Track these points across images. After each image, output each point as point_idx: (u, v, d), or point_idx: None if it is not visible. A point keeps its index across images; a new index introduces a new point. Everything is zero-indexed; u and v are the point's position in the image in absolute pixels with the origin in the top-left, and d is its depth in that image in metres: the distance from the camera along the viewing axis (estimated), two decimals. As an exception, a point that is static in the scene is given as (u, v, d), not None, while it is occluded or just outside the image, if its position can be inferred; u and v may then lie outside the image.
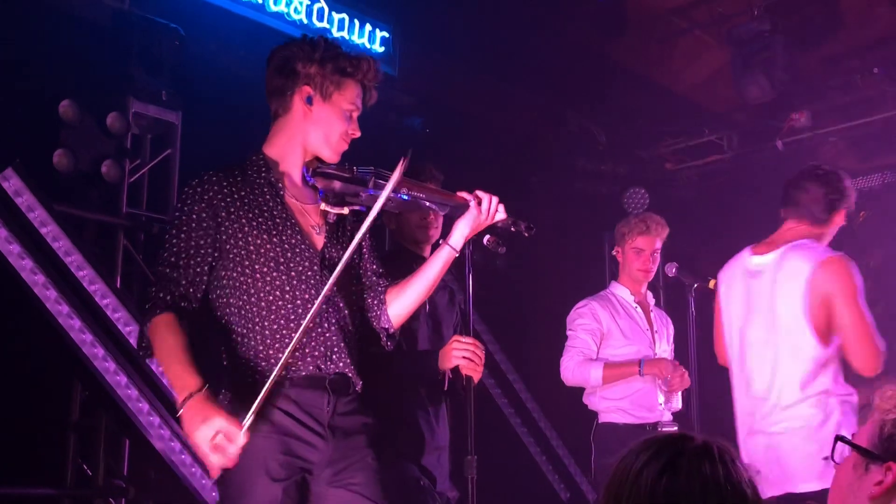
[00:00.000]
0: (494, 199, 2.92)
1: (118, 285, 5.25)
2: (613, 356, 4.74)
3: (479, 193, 2.92)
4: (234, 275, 2.73)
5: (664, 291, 7.34)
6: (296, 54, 2.86)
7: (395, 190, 2.74)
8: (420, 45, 6.63)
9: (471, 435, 3.58)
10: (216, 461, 2.47)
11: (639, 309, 4.92)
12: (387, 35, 6.46)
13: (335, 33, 6.20)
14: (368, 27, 6.37)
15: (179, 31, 5.48)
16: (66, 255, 4.89)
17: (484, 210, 2.90)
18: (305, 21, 6.07)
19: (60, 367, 4.96)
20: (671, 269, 4.96)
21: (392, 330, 2.96)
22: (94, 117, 5.17)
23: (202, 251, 2.73)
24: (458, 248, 2.92)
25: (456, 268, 3.14)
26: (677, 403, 4.87)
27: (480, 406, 3.71)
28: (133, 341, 5.05)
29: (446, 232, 3.00)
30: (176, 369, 2.61)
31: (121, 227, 5.42)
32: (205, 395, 2.52)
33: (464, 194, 2.92)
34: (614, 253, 5.01)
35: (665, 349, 4.95)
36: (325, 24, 6.16)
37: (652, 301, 5.04)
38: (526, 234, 3.10)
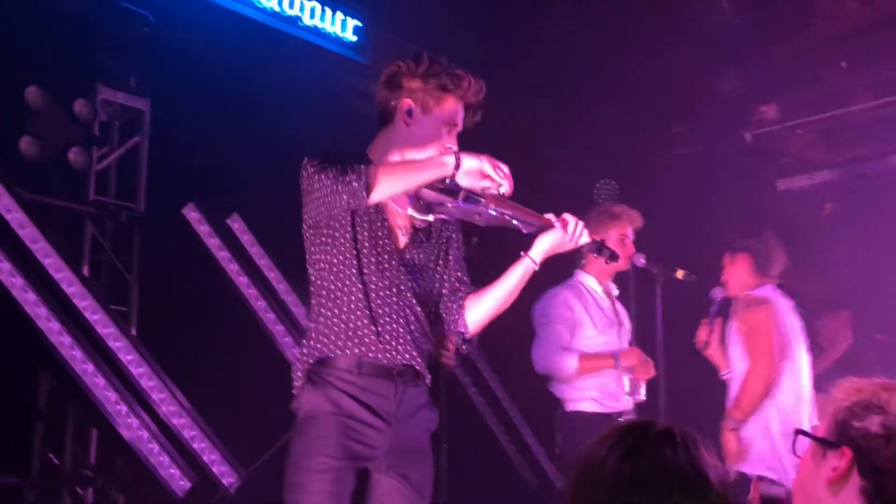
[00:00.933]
0: (580, 224, 3.00)
1: (86, 274, 5.20)
2: (584, 346, 4.75)
3: (567, 217, 3.01)
4: (331, 251, 2.86)
5: (633, 282, 7.38)
6: (402, 69, 3.02)
7: (486, 205, 2.85)
8: (393, 34, 6.61)
9: (443, 426, 3.62)
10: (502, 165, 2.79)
11: (606, 299, 4.93)
12: (359, 24, 6.43)
13: (307, 21, 6.16)
14: (340, 15, 6.34)
15: (149, 17, 5.43)
16: (32, 242, 4.85)
17: (569, 233, 2.98)
18: (277, 9, 6.02)
19: (27, 356, 4.91)
20: (639, 260, 4.97)
21: (468, 335, 3.06)
22: (62, 104, 5.12)
23: None
24: (538, 263, 3.00)
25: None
26: (642, 394, 4.90)
27: (450, 395, 3.73)
28: (100, 330, 5.02)
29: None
30: (423, 159, 2.87)
31: (88, 215, 5.37)
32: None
33: (550, 216, 3.01)
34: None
35: (626, 339, 4.97)
36: (296, 12, 6.11)
37: (616, 292, 5.05)
38: (606, 263, 3.33)
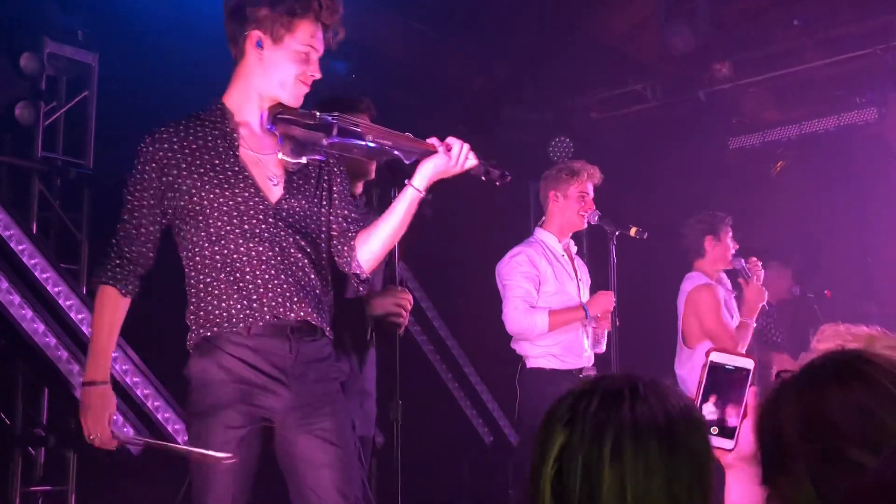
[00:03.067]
0: (465, 147, 2.88)
1: (34, 231, 5.12)
2: (547, 303, 4.78)
3: (451, 140, 2.87)
4: (192, 232, 2.76)
5: (587, 239, 7.43)
6: None
7: (362, 136, 2.73)
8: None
9: (396, 381, 3.62)
10: (95, 443, 2.79)
11: (565, 256, 4.96)
12: (312, -22, 6.33)
13: (257, -26, 6.05)
14: (293, -31, 6.23)
15: (96, -31, 5.32)
16: (-22, 199, 4.76)
17: (454, 157, 2.85)
18: (227, -39, 5.91)
19: (-25, 315, 4.84)
20: (594, 217, 5.00)
21: (363, 275, 2.94)
22: (7, 58, 5.02)
23: (151, 211, 2.82)
24: (423, 190, 2.86)
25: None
26: (603, 345, 4.96)
27: (406, 352, 3.74)
28: (50, 288, 4.96)
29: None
30: (96, 349, 2.85)
31: (36, 172, 5.28)
32: (106, 389, 2.83)
33: (434, 141, 2.87)
34: (550, 197, 4.91)
35: (586, 296, 5.00)
36: (246, -36, 6.01)
37: (574, 249, 5.07)
38: (497, 184, 3.09)
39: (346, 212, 2.93)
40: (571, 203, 4.87)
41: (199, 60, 5.68)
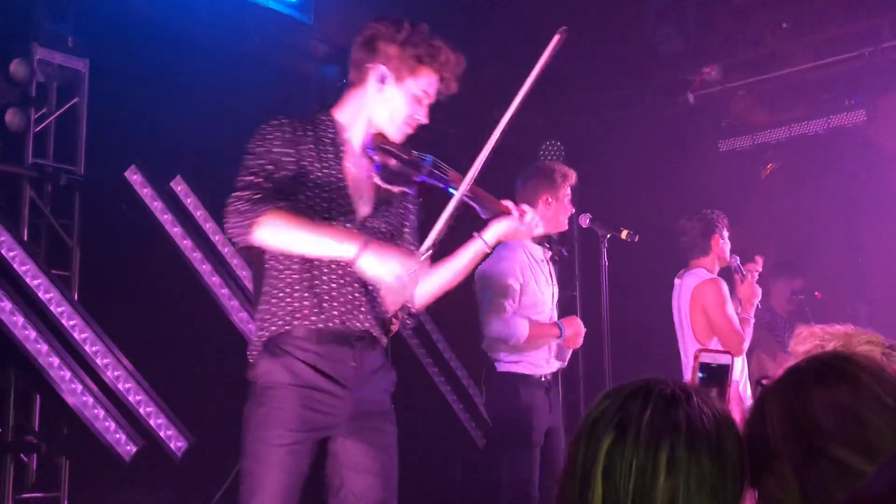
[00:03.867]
0: (537, 218, 3.04)
1: (25, 237, 5.12)
2: (526, 307, 4.79)
3: (525, 208, 3.03)
4: None
5: (578, 242, 7.45)
6: (381, 32, 2.95)
7: (449, 184, 2.88)
8: (336, -6, 6.54)
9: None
10: (400, 287, 2.70)
11: (544, 263, 4.98)
12: (301, -18, 6.35)
13: (248, -20, 6.06)
14: (282, -26, 6.25)
15: (86, -25, 5.32)
16: (-31, 206, 4.75)
17: (525, 224, 3.01)
18: (218, -34, 5.91)
19: (-34, 322, 4.83)
20: (585, 220, 5.02)
21: (414, 309, 3.07)
22: (-3, 64, 5.00)
23: (285, 164, 2.82)
24: (490, 246, 3.03)
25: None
26: (566, 361, 5.06)
27: (397, 355, 3.75)
28: (41, 294, 4.95)
29: None
30: (330, 231, 2.76)
31: (26, 178, 5.27)
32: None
33: (509, 204, 3.02)
34: (542, 200, 4.90)
35: (556, 299, 5.06)
36: (236, -29, 6.02)
37: (549, 254, 5.09)
38: (556, 259, 3.30)
39: (412, 247, 3.07)
40: (563, 207, 4.89)
41: (189, 66, 5.69)
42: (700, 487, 1.34)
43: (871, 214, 7.44)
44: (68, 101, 5.47)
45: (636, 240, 4.97)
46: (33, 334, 4.84)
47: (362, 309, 2.86)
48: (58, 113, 5.45)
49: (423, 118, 2.99)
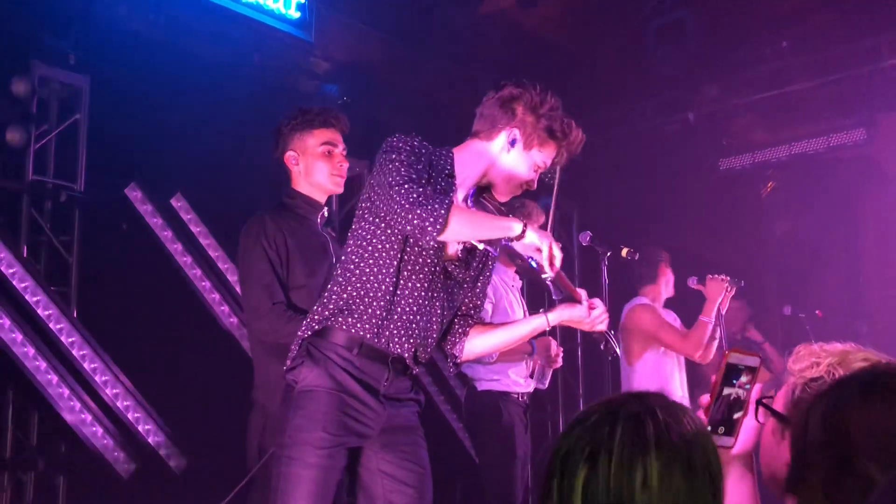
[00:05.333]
0: (605, 315, 3.09)
1: (25, 254, 5.11)
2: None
3: (596, 302, 3.08)
4: (380, 236, 2.88)
5: (578, 259, 7.45)
6: (523, 97, 3.03)
7: (533, 259, 2.89)
8: (336, 11, 6.55)
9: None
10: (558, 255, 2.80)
11: (515, 288, 5.06)
12: (302, 0, 6.36)
13: (249, -3, 6.07)
14: (283, -8, 6.26)
15: (87, -8, 5.32)
16: (-32, 223, 4.74)
17: (592, 317, 3.07)
18: (218, -16, 5.92)
19: (-36, 339, 4.81)
20: (585, 238, 5.03)
21: (459, 360, 3.14)
22: (-3, 81, 5.01)
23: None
24: (550, 325, 3.11)
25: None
26: (546, 383, 5.11)
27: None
28: (41, 311, 4.94)
29: None
30: (498, 217, 2.88)
31: (26, 195, 5.27)
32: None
33: (583, 294, 3.08)
34: None
35: None
36: (238, -12, 6.02)
37: (520, 283, 5.19)
38: (609, 357, 3.51)
39: (478, 301, 3.15)
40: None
41: (190, 83, 5.69)
42: (676, 501, 1.33)
43: (871, 232, 7.45)
44: (69, 117, 5.47)
45: (636, 257, 4.99)
46: (32, 351, 4.82)
47: (412, 340, 2.91)
48: (58, 130, 5.45)
49: (534, 185, 3.08)
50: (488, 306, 4.84)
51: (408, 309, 2.89)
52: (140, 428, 5.14)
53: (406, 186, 2.73)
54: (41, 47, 5.25)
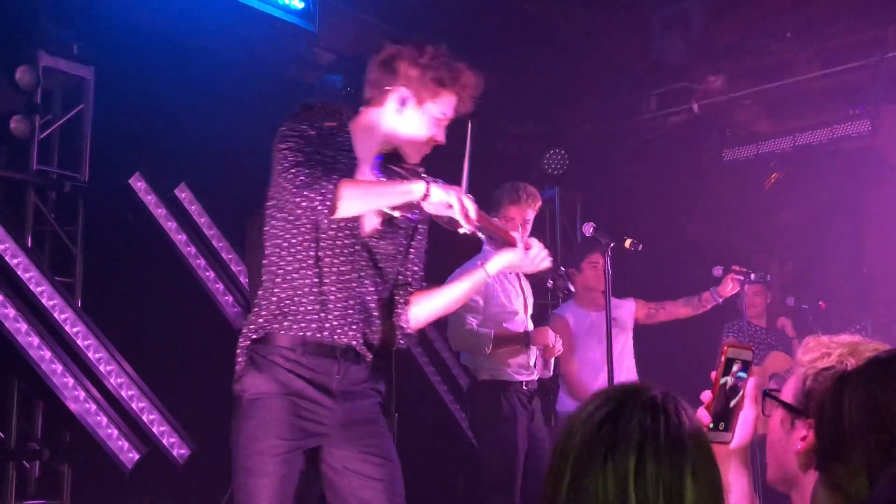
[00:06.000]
0: (544, 253, 2.99)
1: (29, 244, 5.12)
2: (495, 317, 4.88)
3: (532, 241, 2.99)
4: (291, 230, 2.82)
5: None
6: (402, 54, 2.92)
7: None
8: (341, 2, 6.54)
9: (392, 393, 3.65)
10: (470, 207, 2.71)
11: (512, 275, 5.04)
12: (306, -10, 6.35)
13: (253, -12, 6.06)
14: (287, -18, 6.25)
15: (91, -18, 5.32)
16: (-27, 213, 4.75)
17: (531, 258, 2.97)
18: (222, -26, 5.92)
19: (-31, 329, 4.83)
20: (588, 229, 5.02)
21: (408, 330, 3.05)
22: (2, 71, 5.01)
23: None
24: (492, 277, 3.02)
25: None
26: (549, 370, 5.13)
27: (401, 364, 3.75)
28: (45, 301, 4.95)
29: None
30: (396, 182, 2.79)
31: (31, 185, 5.28)
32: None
33: (516, 235, 3.01)
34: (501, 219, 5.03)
35: (530, 310, 5.11)
36: (242, -21, 6.02)
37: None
38: (560, 295, 3.25)
39: (415, 268, 3.07)
40: (514, 226, 4.95)
41: (194, 74, 5.70)
42: (711, 489, 1.35)
43: (875, 224, 7.43)
44: (73, 107, 5.48)
45: (640, 249, 4.98)
46: (36, 341, 4.84)
47: (354, 326, 2.85)
48: (63, 120, 5.46)
49: (441, 139, 2.99)
50: (479, 298, 4.83)
51: (340, 296, 2.82)
52: (144, 417, 5.16)
53: (293, 171, 2.69)
54: (46, 38, 5.25)
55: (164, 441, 5.19)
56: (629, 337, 5.57)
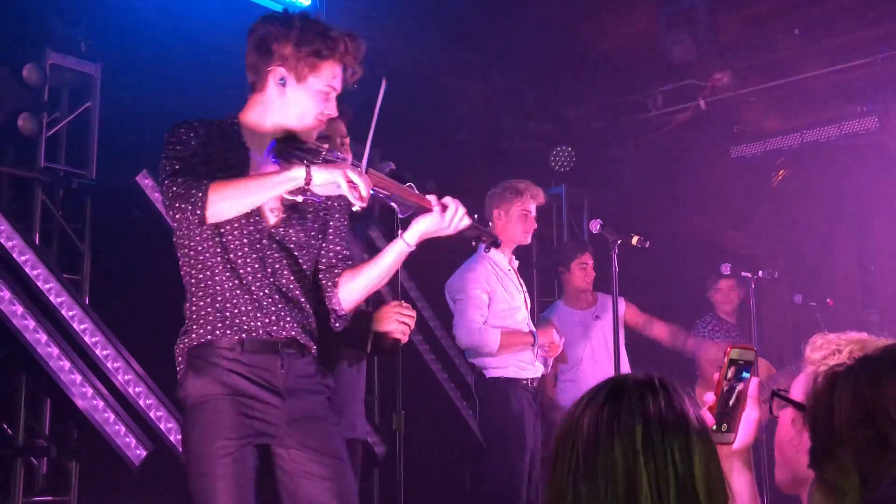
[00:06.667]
0: (460, 209, 2.89)
1: (37, 242, 5.13)
2: (498, 316, 4.93)
3: (447, 200, 2.90)
4: (195, 238, 2.78)
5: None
6: (271, 33, 2.84)
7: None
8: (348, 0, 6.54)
9: (399, 391, 3.65)
10: (359, 182, 2.61)
11: (511, 272, 5.07)
12: (313, -12, 6.35)
13: (258, -15, 6.06)
14: (293, -21, 6.25)
15: (99, -21, 5.33)
16: (-19, 210, 4.76)
17: (447, 218, 2.87)
18: (228, -29, 5.92)
19: (-23, 326, 4.84)
20: (595, 226, 5.03)
21: (341, 312, 3.00)
22: (9, 69, 5.01)
23: (199, 163, 2.76)
24: (413, 245, 2.91)
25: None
26: (547, 368, 5.20)
27: (408, 362, 3.75)
28: (53, 299, 4.96)
29: None
30: (271, 174, 2.68)
31: (38, 183, 5.28)
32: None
33: (431, 198, 2.89)
34: (494, 215, 5.07)
35: (528, 306, 5.20)
36: (247, -25, 6.02)
37: (516, 263, 5.20)
38: (486, 251, 3.34)
39: (337, 248, 2.99)
40: (513, 221, 4.99)
41: (201, 71, 5.70)
42: (717, 467, 1.35)
43: (882, 221, 7.42)
44: (80, 105, 5.49)
45: (647, 245, 4.99)
46: (44, 338, 4.84)
47: (287, 318, 2.81)
48: (70, 117, 5.46)
49: (332, 111, 2.89)
50: (485, 296, 4.89)
51: (262, 293, 2.77)
52: (152, 414, 5.17)
53: (166, 182, 2.65)
54: (53, 35, 5.26)
55: (172, 438, 5.19)
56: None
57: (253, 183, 2.69)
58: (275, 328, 2.78)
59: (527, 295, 5.16)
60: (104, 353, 5.07)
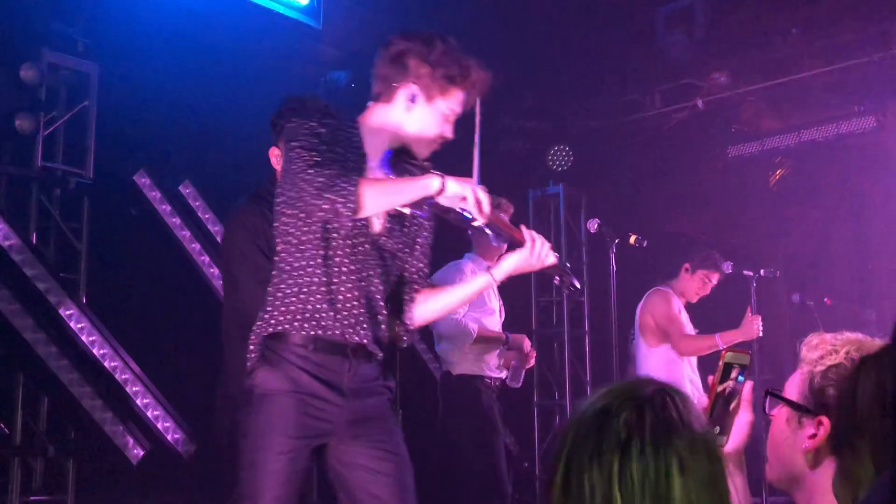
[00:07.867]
0: (546, 246, 2.96)
1: (34, 241, 5.13)
2: (473, 311, 4.96)
3: (535, 235, 2.97)
4: (302, 228, 2.80)
5: (587, 247, 7.44)
6: (412, 50, 2.89)
7: (464, 209, 2.77)
8: (345, -1, 6.55)
9: (396, 390, 3.66)
10: (484, 199, 2.69)
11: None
12: (310, -13, 6.35)
13: (257, -16, 6.06)
14: (292, -22, 6.25)
15: (95, -21, 5.33)
16: (-22, 209, 4.76)
17: (535, 254, 2.94)
18: (227, -30, 5.92)
19: (-26, 325, 4.84)
20: (593, 226, 5.03)
21: (411, 327, 3.06)
22: (6, 68, 5.02)
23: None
24: (499, 281, 3.01)
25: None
26: (520, 382, 5.14)
27: (405, 361, 3.76)
28: (50, 298, 4.96)
29: None
30: (412, 179, 2.76)
31: (35, 181, 5.28)
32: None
33: (524, 231, 2.97)
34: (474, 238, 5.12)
35: (502, 315, 5.23)
36: (246, -25, 6.02)
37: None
38: (566, 292, 3.21)
39: (420, 265, 3.06)
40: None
41: (198, 70, 5.70)
42: (707, 482, 1.32)
43: (879, 221, 7.42)
44: (77, 104, 5.49)
45: (644, 245, 4.99)
46: (42, 337, 4.84)
47: (364, 324, 2.85)
48: (67, 116, 5.46)
49: (449, 134, 2.98)
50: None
51: (349, 295, 2.81)
52: (149, 413, 5.17)
53: (310, 173, 2.65)
54: (50, 34, 5.26)
55: (169, 437, 5.20)
56: None
57: (397, 184, 2.79)
58: (350, 331, 2.82)
59: (502, 306, 5.20)
60: (101, 352, 5.08)
